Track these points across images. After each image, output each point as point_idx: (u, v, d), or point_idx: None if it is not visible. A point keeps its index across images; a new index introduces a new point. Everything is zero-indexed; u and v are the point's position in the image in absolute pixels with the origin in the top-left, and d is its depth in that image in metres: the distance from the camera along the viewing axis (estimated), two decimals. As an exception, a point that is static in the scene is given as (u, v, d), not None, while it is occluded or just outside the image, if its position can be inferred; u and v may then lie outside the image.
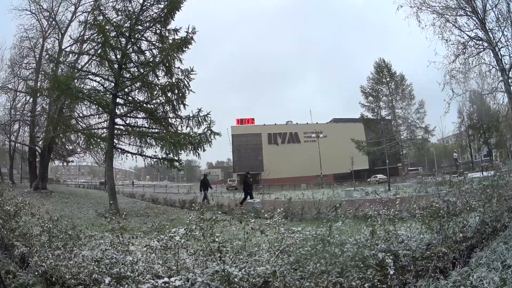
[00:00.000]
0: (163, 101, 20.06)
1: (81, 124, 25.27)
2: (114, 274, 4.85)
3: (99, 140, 19.53)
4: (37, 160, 32.45)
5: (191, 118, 19.35)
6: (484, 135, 58.51)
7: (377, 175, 64.74)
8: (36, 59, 32.54)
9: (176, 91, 19.70)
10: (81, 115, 25.01)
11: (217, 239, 4.56)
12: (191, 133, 19.04)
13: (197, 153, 19.08)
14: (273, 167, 72.95)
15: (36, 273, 5.93)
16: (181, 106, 20.03)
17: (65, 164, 43.11)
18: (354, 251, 5.09)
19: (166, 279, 4.06)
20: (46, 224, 6.59)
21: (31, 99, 32.53)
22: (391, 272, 5.00)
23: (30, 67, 33.35)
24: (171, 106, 19.94)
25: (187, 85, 19.78)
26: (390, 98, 55.93)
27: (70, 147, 36.64)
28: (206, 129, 18.97)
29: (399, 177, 66.46)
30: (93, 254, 5.65)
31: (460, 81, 21.56)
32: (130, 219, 14.85)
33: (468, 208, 6.49)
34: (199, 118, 19.22)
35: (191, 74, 19.78)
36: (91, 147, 22.44)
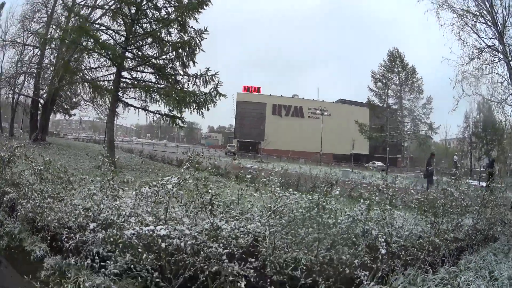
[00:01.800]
0: (173, 57, 19.96)
1: (87, 76, 25.12)
2: (100, 220, 4.77)
3: (104, 91, 19.51)
4: (39, 113, 32.30)
5: (198, 77, 19.29)
6: (486, 146, 58.32)
7: (375, 162, 64.75)
8: (48, 13, 32.16)
9: (187, 48, 19.53)
10: (88, 67, 24.98)
11: (210, 191, 4.43)
12: (197, 92, 18.94)
13: (200, 112, 19.12)
14: (274, 138, 72.84)
15: (23, 221, 5.94)
16: (191, 63, 19.96)
17: (67, 117, 43.13)
18: (348, 224, 4.96)
19: (151, 227, 3.92)
20: (38, 167, 6.52)
21: (39, 52, 32.35)
22: (383, 252, 4.91)
23: (41, 21, 33.03)
24: (180, 62, 19.82)
25: (199, 43, 19.63)
26: (399, 88, 55.59)
27: (74, 100, 36.66)
28: (212, 89, 18.95)
29: (397, 168, 66.42)
30: (84, 204, 5.59)
31: (471, 83, 21.58)
32: (125, 173, 14.84)
33: (462, 208, 6.47)
34: (207, 77, 19.19)
35: (204, 33, 19.62)
36: (95, 98, 22.36)
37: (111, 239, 3.93)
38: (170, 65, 20.05)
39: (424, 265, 5.42)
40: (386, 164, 50.41)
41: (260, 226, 4.43)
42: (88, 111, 40.41)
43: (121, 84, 19.88)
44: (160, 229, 3.87)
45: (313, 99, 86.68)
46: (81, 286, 4.40)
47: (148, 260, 4.00)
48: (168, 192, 4.43)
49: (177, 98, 17.95)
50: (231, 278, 4.10)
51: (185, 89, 19.31)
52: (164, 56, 20.19)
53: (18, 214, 6.10)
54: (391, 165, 55.69)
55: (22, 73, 34.73)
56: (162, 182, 4.54)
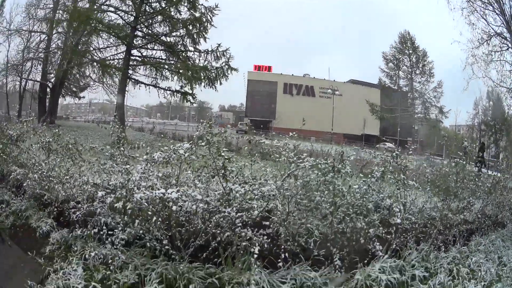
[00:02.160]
0: (183, 34, 19.93)
1: (95, 57, 25.00)
2: (110, 188, 4.70)
3: (113, 69, 19.49)
4: (47, 97, 32.30)
5: (209, 52, 19.36)
6: (495, 135, 57.69)
7: (386, 143, 64.39)
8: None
9: (198, 25, 19.46)
10: (97, 48, 24.85)
11: (223, 153, 4.31)
12: (209, 66, 18.83)
13: (213, 86, 19.13)
14: (285, 117, 72.46)
15: (30, 198, 5.97)
16: (201, 39, 19.99)
17: (76, 100, 43.14)
18: (363, 192, 4.91)
19: (162, 190, 3.82)
20: (47, 139, 6.49)
21: (46, 37, 32.21)
22: (398, 221, 4.97)
23: (47, 7, 32.63)
24: (191, 39, 19.78)
25: (210, 20, 19.63)
26: (410, 70, 55.23)
27: (82, 83, 36.64)
28: (224, 64, 18.89)
29: (407, 151, 65.85)
30: (92, 176, 5.53)
31: (481, 67, 21.72)
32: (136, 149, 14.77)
33: (474, 188, 6.58)
34: (218, 53, 19.24)
35: (215, 10, 19.58)
36: (104, 78, 22.35)
37: (120, 203, 3.83)
38: (181, 42, 19.99)
39: (436, 241, 5.47)
40: (396, 145, 50.32)
41: (274, 189, 4.29)
42: (97, 92, 40.31)
43: (131, 62, 19.80)
44: (172, 192, 3.77)
45: (324, 79, 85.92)
46: (87, 258, 4.36)
47: (158, 223, 3.91)
48: (180, 157, 4.34)
49: (188, 73, 17.84)
50: (244, 243, 4.01)
51: (196, 65, 19.19)
52: (174, 34, 20.06)
53: (26, 190, 6.16)
54: (401, 148, 55.45)
55: (29, 59, 34.63)
56: (174, 147, 4.44)
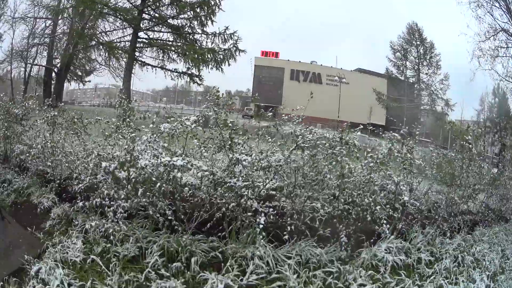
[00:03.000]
0: (191, 16, 19.76)
1: (102, 40, 24.93)
2: (114, 158, 4.65)
3: (120, 51, 19.48)
4: (52, 82, 32.27)
5: (217, 35, 19.25)
6: (500, 132, 57.36)
7: (392, 132, 64.17)
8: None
9: (206, 8, 19.20)
10: (103, 31, 24.82)
11: (229, 124, 4.25)
12: (216, 48, 18.77)
13: (220, 68, 19.11)
14: (292, 103, 71.98)
15: (33, 175, 6.07)
16: (209, 22, 19.82)
17: (81, 85, 43.12)
18: (371, 166, 4.90)
19: (167, 158, 3.77)
20: (52, 112, 6.48)
21: (51, 24, 32.08)
22: (406, 198, 5.02)
23: None
24: (198, 21, 19.60)
25: (218, 3, 19.54)
26: (417, 60, 54.99)
27: (88, 67, 36.56)
28: (231, 45, 18.84)
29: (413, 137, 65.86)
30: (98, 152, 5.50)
31: (487, 61, 21.93)
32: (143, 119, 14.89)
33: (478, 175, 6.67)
34: (225, 36, 19.15)
35: (223, -7, 19.43)
36: (110, 61, 22.33)
37: (123, 174, 3.78)
38: (188, 24, 19.87)
39: (442, 226, 5.52)
40: (406, 134, 50.20)
41: (281, 160, 4.21)
42: (103, 76, 40.20)
43: (138, 45, 19.78)
44: (177, 159, 3.71)
45: (331, 66, 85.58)
46: (89, 232, 4.34)
47: (162, 190, 3.87)
48: (186, 128, 4.29)
49: (195, 55, 17.79)
50: (250, 213, 3.97)
51: (203, 47, 19.14)
52: (182, 16, 19.95)
53: (29, 168, 6.30)
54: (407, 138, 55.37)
55: (34, 45, 34.54)
56: (180, 119, 4.40)
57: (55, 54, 32.55)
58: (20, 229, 4.83)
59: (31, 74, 40.09)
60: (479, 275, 4.45)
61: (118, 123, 5.40)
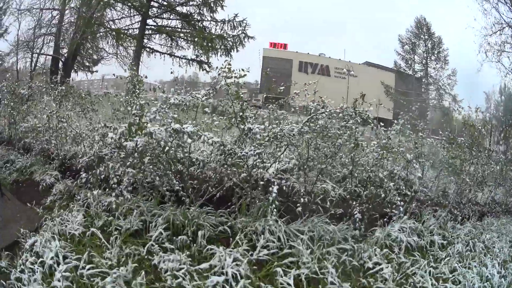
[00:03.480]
0: (200, 2, 19.64)
1: (110, 28, 24.91)
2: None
3: (128, 38, 19.46)
4: (59, 72, 32.31)
5: (226, 22, 19.14)
6: (505, 130, 57.09)
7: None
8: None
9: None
10: (111, 19, 24.77)
11: (241, 95, 4.15)
12: (225, 35, 18.75)
13: (229, 55, 19.03)
14: (300, 95, 71.98)
15: (37, 154, 6.13)
16: (219, 8, 19.72)
17: (89, 75, 43.12)
18: (384, 143, 4.96)
19: (177, 126, 3.63)
20: (60, 88, 6.47)
21: (58, 14, 32.05)
22: (419, 175, 5.16)
23: None
24: (207, 7, 19.48)
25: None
26: (425, 55, 54.83)
27: (96, 56, 36.53)
28: (240, 32, 18.82)
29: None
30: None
31: (494, 54, 21.99)
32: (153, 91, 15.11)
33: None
34: (234, 23, 19.10)
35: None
36: (118, 49, 22.31)
37: (131, 134, 3.67)
38: (197, 11, 19.78)
39: (453, 211, 5.58)
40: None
41: (295, 129, 4.07)
42: (110, 65, 40.12)
43: (146, 32, 19.76)
44: (187, 127, 3.59)
45: (340, 59, 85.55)
46: (91, 206, 4.30)
47: (171, 152, 3.77)
48: (197, 100, 4.20)
49: (203, 42, 17.77)
50: (262, 182, 3.87)
51: (213, 33, 19.13)
52: (191, 3, 19.86)
53: (32, 148, 6.33)
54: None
55: (41, 36, 34.53)
56: (191, 93, 4.30)
57: (62, 44, 32.49)
58: (20, 205, 4.79)
59: (37, 65, 40.17)
60: (491, 261, 4.39)
61: (127, 97, 5.33)
